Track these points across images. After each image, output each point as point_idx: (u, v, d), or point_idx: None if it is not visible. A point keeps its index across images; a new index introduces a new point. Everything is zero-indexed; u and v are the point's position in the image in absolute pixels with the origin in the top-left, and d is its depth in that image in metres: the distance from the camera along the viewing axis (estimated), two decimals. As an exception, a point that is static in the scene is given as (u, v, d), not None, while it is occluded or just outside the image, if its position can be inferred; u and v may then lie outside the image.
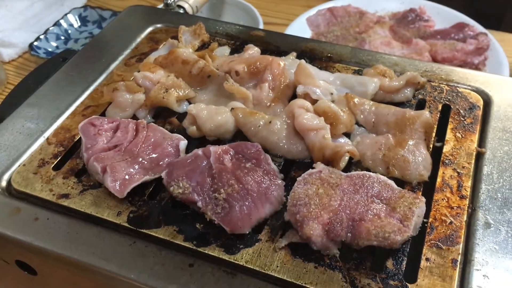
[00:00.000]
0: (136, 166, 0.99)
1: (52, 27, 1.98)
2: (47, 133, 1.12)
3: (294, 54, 1.26)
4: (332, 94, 1.10)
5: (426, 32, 1.88)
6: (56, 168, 1.04)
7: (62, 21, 2.01)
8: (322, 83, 1.12)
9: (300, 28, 1.91)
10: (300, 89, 1.09)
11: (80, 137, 1.05)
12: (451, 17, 1.92)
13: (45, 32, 1.95)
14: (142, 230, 0.91)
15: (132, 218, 0.93)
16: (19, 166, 1.05)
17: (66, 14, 2.03)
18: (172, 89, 1.13)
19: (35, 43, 1.89)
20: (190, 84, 1.17)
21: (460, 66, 1.73)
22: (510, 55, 1.76)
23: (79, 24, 2.05)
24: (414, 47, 1.79)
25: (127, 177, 0.96)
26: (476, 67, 1.72)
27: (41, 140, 1.10)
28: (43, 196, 0.98)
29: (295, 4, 2.14)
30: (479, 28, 1.84)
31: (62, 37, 1.98)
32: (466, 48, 1.74)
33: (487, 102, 1.13)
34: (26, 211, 0.97)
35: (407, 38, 1.83)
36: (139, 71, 1.19)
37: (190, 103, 1.15)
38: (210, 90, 1.17)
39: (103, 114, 1.16)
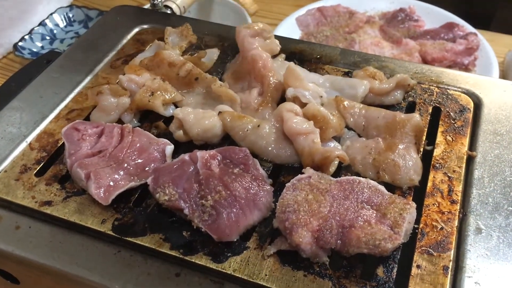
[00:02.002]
0: (121, 172, 0.96)
1: (37, 27, 1.94)
2: (30, 138, 1.09)
3: (283, 56, 1.24)
4: (321, 97, 1.08)
5: (416, 32, 1.87)
6: (39, 174, 1.01)
7: (47, 21, 1.98)
8: (312, 85, 1.10)
9: (289, 28, 1.89)
10: (289, 92, 1.07)
11: (64, 142, 1.02)
12: (440, 17, 1.91)
13: (30, 32, 1.91)
14: (127, 239, 0.89)
15: (117, 226, 0.91)
16: (0, 172, 1.02)
17: (51, 14, 2.00)
18: (158, 92, 1.11)
19: (20, 44, 1.85)
20: (177, 87, 1.15)
21: (450, 66, 1.72)
22: (500, 55, 1.75)
23: (65, 24, 2.01)
24: (404, 47, 1.78)
25: (111, 183, 0.94)
26: (466, 67, 1.72)
27: (23, 145, 1.07)
28: (25, 203, 0.96)
29: (284, 3, 2.12)
30: (468, 28, 1.83)
31: (48, 37, 1.95)
32: (456, 48, 1.73)
33: (478, 105, 1.12)
34: (7, 219, 0.94)
35: (397, 38, 1.82)
36: (124, 74, 1.16)
37: (176, 107, 1.13)
38: (197, 93, 1.15)
39: (87, 118, 1.13)
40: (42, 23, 1.95)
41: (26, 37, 1.88)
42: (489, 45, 1.75)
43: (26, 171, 1.02)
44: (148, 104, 1.09)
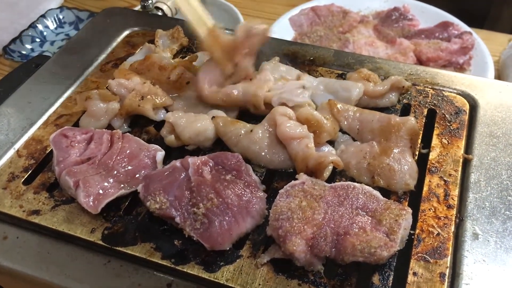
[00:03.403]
0: (111, 180, 0.94)
1: (27, 29, 1.91)
2: (18, 145, 1.06)
3: (277, 58, 1.22)
4: (304, 87, 1.06)
5: (410, 31, 1.85)
6: (27, 182, 0.99)
7: (37, 23, 1.95)
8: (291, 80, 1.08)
9: (283, 28, 1.87)
10: (274, 103, 1.05)
11: (52, 149, 0.99)
12: (435, 16, 1.89)
13: (20, 35, 1.88)
14: (117, 248, 0.87)
15: (107, 235, 0.89)
16: (-13, 181, 0.99)
17: (41, 16, 1.97)
18: (148, 96, 1.08)
19: (10, 46, 1.82)
20: (167, 91, 1.13)
21: (445, 66, 1.70)
22: (494, 54, 1.74)
23: (55, 25, 1.98)
24: (398, 47, 1.76)
25: (101, 191, 0.92)
26: (461, 67, 1.70)
27: (11, 152, 1.05)
28: (13, 212, 0.94)
29: (277, 3, 2.10)
30: (463, 27, 1.81)
31: (38, 40, 1.92)
32: (451, 47, 1.71)
33: (473, 106, 1.10)
34: (-6, 229, 0.92)
35: (391, 38, 1.80)
36: (114, 78, 1.14)
37: (168, 111, 1.11)
38: (188, 96, 1.13)
39: (77, 123, 1.11)
40: (32, 25, 1.92)
41: (16, 39, 1.85)
42: (484, 44, 1.73)
43: (14, 179, 1.00)
44: (138, 109, 1.07)
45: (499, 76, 1.69)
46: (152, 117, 1.08)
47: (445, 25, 1.83)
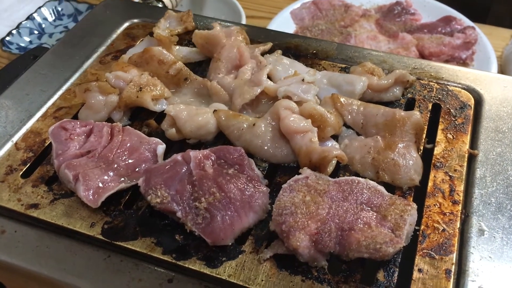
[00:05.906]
0: (111, 173, 0.92)
1: (25, 21, 1.89)
2: (16, 137, 1.05)
3: (279, 51, 1.20)
4: (303, 80, 1.04)
5: (412, 26, 1.83)
6: (25, 175, 0.98)
7: (35, 15, 1.92)
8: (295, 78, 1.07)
9: (284, 21, 1.85)
10: (280, 93, 1.03)
11: (51, 141, 0.98)
12: (437, 10, 1.88)
13: (18, 27, 1.85)
14: (117, 243, 0.85)
15: (107, 229, 0.87)
16: (-16, 173, 0.98)
17: (40, 7, 1.94)
18: (147, 87, 1.06)
19: (7, 38, 1.80)
20: (165, 84, 1.11)
21: (447, 61, 1.69)
22: (497, 49, 1.72)
23: (54, 17, 1.96)
24: (401, 41, 1.75)
25: (101, 185, 0.90)
26: (464, 62, 1.69)
27: (9, 145, 1.03)
28: (11, 206, 0.92)
29: (279, -4, 2.08)
30: (466, 21, 1.80)
31: (36, 32, 1.90)
32: (454, 42, 1.70)
33: (479, 101, 1.09)
34: (-8, 223, 0.90)
35: (394, 32, 1.79)
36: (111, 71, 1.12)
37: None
38: (184, 93, 1.12)
39: (76, 116, 1.09)
40: (30, 17, 1.90)
41: (14, 31, 1.83)
42: (487, 39, 1.72)
43: (12, 172, 0.98)
44: (136, 100, 1.05)
45: (502, 71, 1.68)
46: (151, 108, 1.06)
47: (447, 20, 1.81)
